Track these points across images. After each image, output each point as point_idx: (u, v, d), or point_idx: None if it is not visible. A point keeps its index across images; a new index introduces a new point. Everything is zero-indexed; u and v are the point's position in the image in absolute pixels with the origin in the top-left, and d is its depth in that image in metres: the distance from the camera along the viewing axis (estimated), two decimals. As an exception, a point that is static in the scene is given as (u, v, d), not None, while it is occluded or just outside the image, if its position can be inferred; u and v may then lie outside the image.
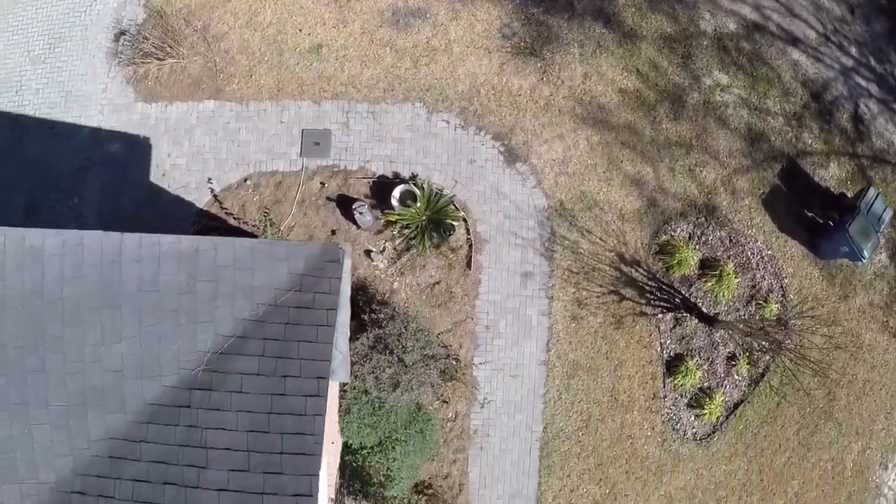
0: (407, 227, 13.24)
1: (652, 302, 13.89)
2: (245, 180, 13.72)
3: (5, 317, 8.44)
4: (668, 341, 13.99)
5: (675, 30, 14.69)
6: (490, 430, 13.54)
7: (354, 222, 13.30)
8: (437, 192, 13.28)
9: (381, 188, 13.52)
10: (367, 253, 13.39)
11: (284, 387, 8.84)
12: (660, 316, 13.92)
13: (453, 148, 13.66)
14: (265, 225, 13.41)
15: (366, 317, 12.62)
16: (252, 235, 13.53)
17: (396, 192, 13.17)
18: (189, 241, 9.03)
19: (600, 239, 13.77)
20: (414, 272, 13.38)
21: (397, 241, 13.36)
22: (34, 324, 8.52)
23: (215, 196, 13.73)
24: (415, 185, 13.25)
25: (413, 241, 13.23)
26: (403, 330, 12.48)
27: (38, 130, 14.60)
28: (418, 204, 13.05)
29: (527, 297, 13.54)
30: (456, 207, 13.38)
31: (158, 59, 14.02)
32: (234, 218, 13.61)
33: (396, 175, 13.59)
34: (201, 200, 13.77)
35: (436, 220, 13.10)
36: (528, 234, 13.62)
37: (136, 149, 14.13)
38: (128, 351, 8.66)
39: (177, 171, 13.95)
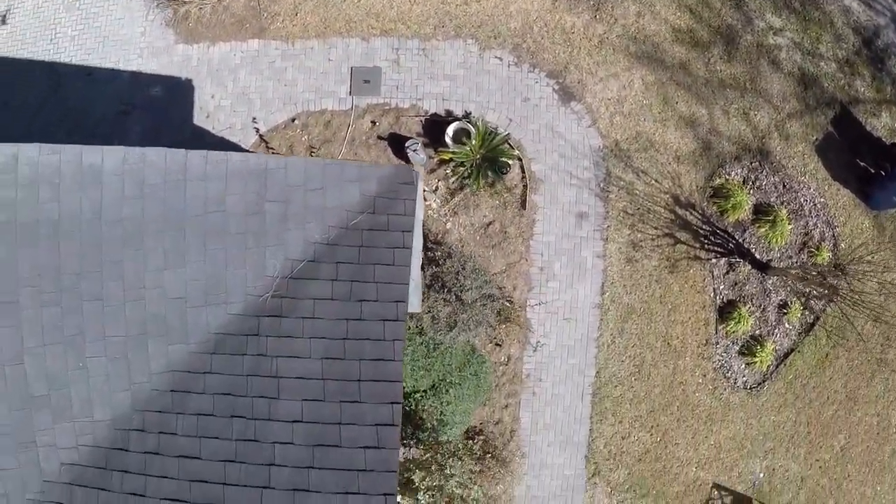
0: (461, 165, 12.41)
1: (706, 246, 13.07)
2: (293, 120, 12.88)
3: (61, 240, 7.65)
4: (722, 287, 13.19)
5: (729, -32, 13.78)
6: (542, 375, 12.78)
7: (407, 161, 12.48)
8: (491, 131, 12.44)
9: (433, 127, 12.67)
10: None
11: (361, 312, 8.06)
12: (713, 261, 13.11)
13: (507, 86, 12.81)
14: None
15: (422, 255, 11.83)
16: None
17: (450, 130, 12.33)
18: (258, 158, 8.23)
19: (655, 180, 12.94)
20: (468, 212, 12.57)
21: (451, 181, 12.53)
22: (92, 248, 7.72)
23: (261, 136, 12.89)
24: (469, 122, 12.41)
25: (467, 181, 12.40)
26: (461, 269, 11.71)
27: (74, 77, 13.73)
28: (473, 142, 12.22)
29: (581, 238, 12.74)
30: (511, 146, 12.54)
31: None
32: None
33: (449, 113, 12.73)
34: (247, 142, 12.93)
35: (490, 159, 12.27)
36: (583, 175, 12.79)
37: (178, 91, 13.28)
38: (192, 276, 7.87)
39: (221, 112, 13.10)
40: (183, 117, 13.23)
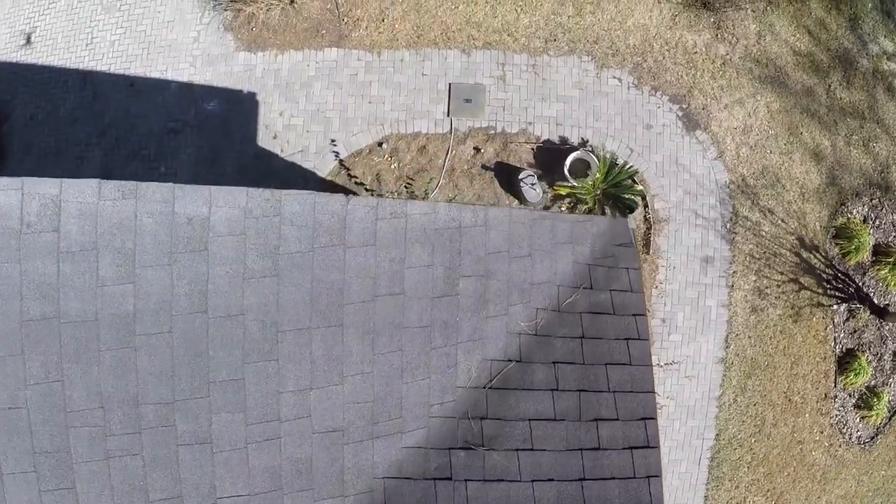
0: (578, 202, 8.83)
1: (828, 291, 9.78)
2: (379, 144, 9.03)
3: (138, 348, 3.81)
4: (841, 335, 9.91)
5: (840, -10, 10.51)
6: (660, 440, 9.29)
7: (517, 196, 8.81)
8: (614, 163, 8.88)
9: (546, 156, 9.00)
10: (531, 233, 8.94)
11: (598, 437, 4.47)
12: (835, 307, 9.83)
13: (627, 110, 9.23)
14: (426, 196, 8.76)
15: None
16: None
17: (569, 161, 8.70)
18: (448, 211, 4.44)
19: (782, 220, 9.58)
20: (585, 256, 9.00)
21: (569, 220, 8.92)
22: (191, 358, 3.88)
23: (341, 162, 9.01)
24: (590, 152, 8.81)
25: (585, 220, 8.83)
26: None
27: (114, 88, 9.58)
28: (595, 175, 8.64)
29: (706, 285, 9.29)
30: (634, 181, 8.99)
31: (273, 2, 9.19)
32: (367, 189, 8.97)
33: (564, 141, 9.08)
34: (324, 168, 9.05)
35: (613, 196, 8.71)
36: (709, 214, 9.33)
37: (239, 107, 9.31)
38: (351, 396, 4.11)
39: (291, 132, 9.17)
40: (244, 137, 9.27)
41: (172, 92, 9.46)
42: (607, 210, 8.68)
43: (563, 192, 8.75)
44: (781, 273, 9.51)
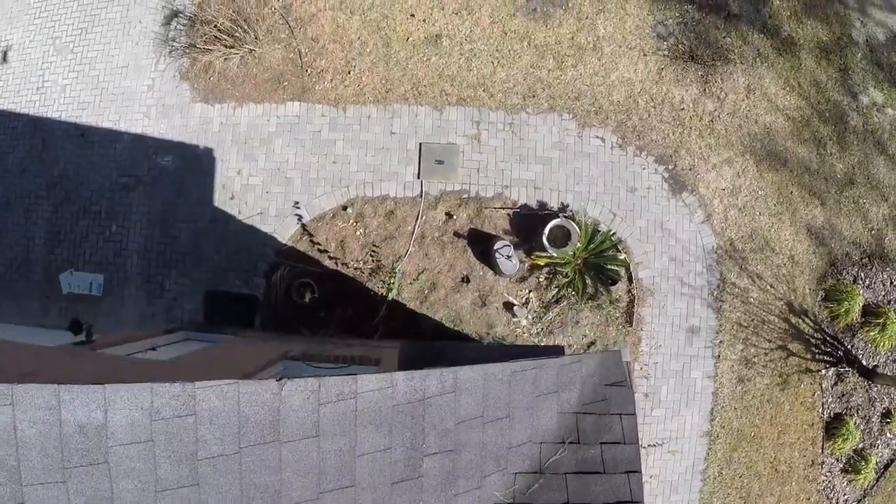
0: (557, 272, 8.18)
1: (817, 356, 9.26)
2: (344, 208, 8.27)
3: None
4: (829, 400, 9.40)
5: (830, 38, 9.91)
6: (641, 516, 8.73)
7: (492, 267, 8.14)
8: (598, 230, 8.23)
9: (524, 222, 8.31)
10: (508, 306, 8.25)
11: None
12: (823, 372, 9.32)
13: (610, 172, 8.57)
14: (390, 281, 8.02)
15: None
16: (362, 288, 8.12)
17: (548, 229, 8.04)
18: (409, 382, 3.76)
19: (770, 286, 9.02)
20: (564, 330, 8.33)
21: (547, 292, 8.25)
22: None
23: (304, 227, 8.26)
24: (573, 219, 8.15)
25: (565, 292, 8.18)
26: None
27: (65, 137, 8.68)
28: (577, 245, 8.00)
29: (692, 356, 8.71)
30: (618, 249, 8.35)
31: (225, 45, 8.34)
32: (331, 258, 8.22)
33: (543, 205, 8.40)
34: (284, 233, 8.27)
35: (594, 265, 8.08)
36: (695, 281, 8.74)
37: (195, 163, 8.46)
38: None
39: (250, 193, 8.37)
40: (200, 197, 8.44)
41: (125, 144, 8.61)
42: (588, 281, 8.05)
43: (542, 262, 8.09)
44: (769, 341, 8.97)
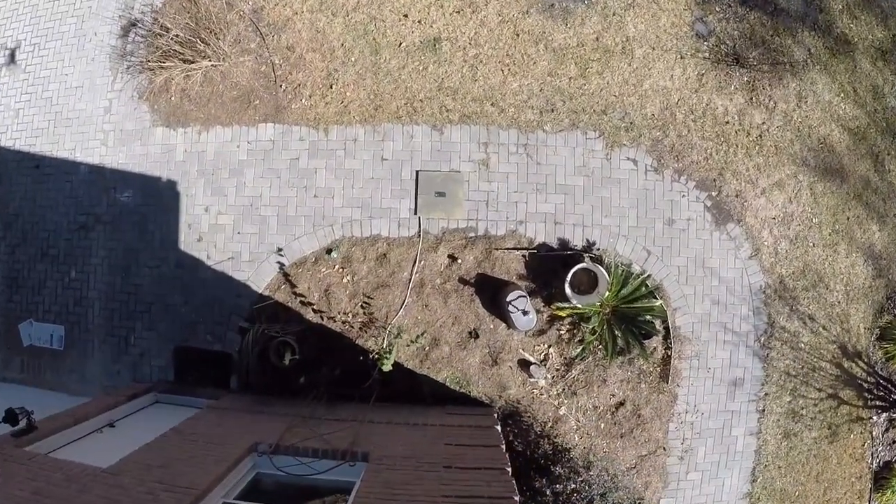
0: (582, 324, 5.06)
1: (869, 402, 6.06)
2: (329, 251, 5.16)
3: None
4: (879, 448, 6.26)
5: (885, 35, 6.37)
6: (670, 584, 5.77)
7: (503, 318, 5.05)
8: (630, 273, 5.06)
9: (542, 265, 5.14)
10: (524, 364, 5.17)
11: None
12: (874, 419, 6.15)
13: (644, 201, 5.30)
14: (383, 352, 4.90)
15: (537, 482, 4.56)
16: (351, 344, 5.05)
17: (571, 275, 4.87)
18: None
19: (823, 327, 5.78)
20: (590, 390, 5.22)
21: (569, 348, 5.12)
22: None
23: (285, 274, 5.22)
24: (596, 261, 4.98)
25: (592, 347, 5.05)
26: (587, 488, 4.50)
27: (20, 169, 5.61)
28: (605, 293, 4.85)
29: (733, 412, 5.57)
30: (655, 296, 5.17)
31: (186, 60, 5.16)
32: (315, 310, 5.19)
33: (564, 244, 5.20)
34: (260, 281, 5.23)
35: (626, 316, 4.94)
36: (740, 327, 5.53)
37: (158, 199, 5.35)
38: None
39: (219, 234, 5.30)
40: (164, 239, 5.39)
41: (82, 177, 5.53)
42: (618, 335, 4.91)
43: (564, 314, 4.96)
44: (819, 389, 5.79)
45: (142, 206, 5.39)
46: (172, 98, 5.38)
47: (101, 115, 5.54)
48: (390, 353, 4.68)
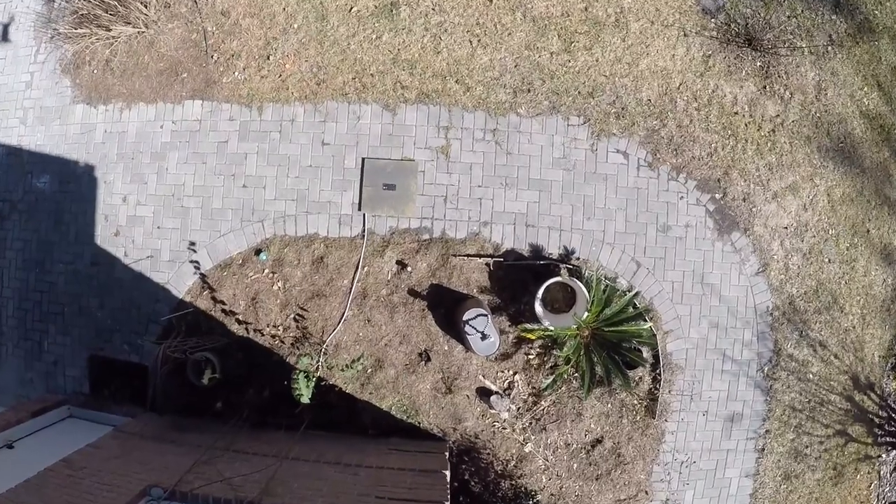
0: (553, 346, 3.27)
1: (879, 439, 4.21)
2: (257, 252, 3.45)
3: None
4: (886, 489, 4.38)
5: (907, 27, 4.43)
6: None
7: (461, 339, 3.30)
8: (615, 289, 3.25)
9: (509, 275, 3.37)
10: (484, 393, 3.42)
11: None
12: (883, 457, 4.29)
13: (635, 202, 3.48)
14: (302, 372, 3.07)
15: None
16: (279, 361, 3.31)
17: (542, 291, 3.09)
18: None
19: (835, 356, 3.92)
20: (561, 424, 3.45)
21: (542, 374, 3.34)
22: None
23: (203, 278, 3.51)
24: (577, 275, 3.19)
25: (565, 376, 3.26)
26: None
27: None
28: (583, 314, 3.06)
29: (729, 451, 3.77)
30: (643, 317, 3.36)
31: (107, 28, 3.45)
32: (240, 321, 3.49)
33: (537, 252, 3.41)
34: (181, 284, 3.52)
35: (608, 342, 3.16)
36: (741, 355, 3.71)
37: (75, 185, 3.59)
38: None
39: (138, 227, 3.59)
40: (80, 232, 3.70)
41: (0, 160, 3.85)
42: (597, 362, 3.11)
43: (534, 336, 3.16)
44: (827, 426, 3.92)
45: (58, 194, 3.66)
46: (94, 71, 3.62)
47: (21, 89, 3.80)
48: (307, 382, 2.91)
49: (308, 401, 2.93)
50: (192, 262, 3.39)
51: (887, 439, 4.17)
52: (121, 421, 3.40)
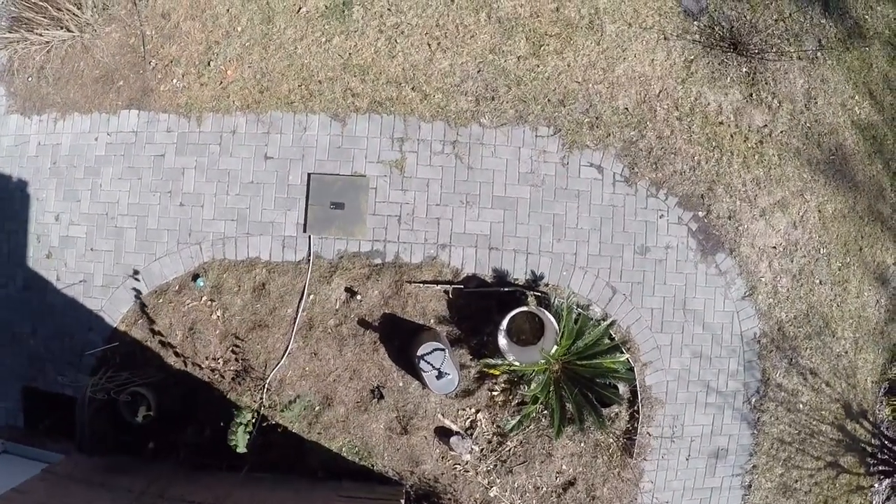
0: (520, 382, 2.60)
1: (871, 468, 3.53)
2: (195, 278, 2.81)
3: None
4: (877, 517, 3.74)
5: (897, 34, 3.74)
6: None
7: (417, 376, 2.65)
8: (588, 318, 2.58)
9: (470, 304, 2.70)
10: (443, 433, 2.76)
11: None
12: (875, 486, 3.62)
13: (611, 222, 2.81)
14: (236, 422, 2.36)
15: None
16: (219, 397, 2.64)
17: (506, 323, 2.42)
18: None
19: (826, 384, 3.26)
20: (529, 466, 2.79)
21: (507, 414, 2.66)
22: None
23: (142, 305, 2.87)
24: (546, 304, 2.52)
25: (533, 415, 2.59)
26: None
27: None
28: (552, 348, 2.38)
29: (713, 489, 3.10)
30: (619, 349, 2.69)
31: (38, 33, 2.81)
32: (177, 354, 2.85)
33: (501, 277, 2.73)
34: (115, 312, 2.86)
35: (581, 377, 2.49)
36: (726, 386, 3.04)
37: (8, 202, 2.85)
38: None
39: (70, 249, 2.94)
40: (12, 252, 3.03)
41: (-55, 174, 3.18)
42: (569, 399, 2.44)
43: (497, 371, 2.49)
44: (817, 458, 3.24)
45: (-9, 211, 3.01)
46: (29, 79, 2.96)
47: (-42, 100, 3.16)
48: (245, 429, 2.24)
49: (244, 450, 2.27)
50: (134, 289, 2.72)
51: (880, 468, 3.47)
52: (57, 458, 2.75)
